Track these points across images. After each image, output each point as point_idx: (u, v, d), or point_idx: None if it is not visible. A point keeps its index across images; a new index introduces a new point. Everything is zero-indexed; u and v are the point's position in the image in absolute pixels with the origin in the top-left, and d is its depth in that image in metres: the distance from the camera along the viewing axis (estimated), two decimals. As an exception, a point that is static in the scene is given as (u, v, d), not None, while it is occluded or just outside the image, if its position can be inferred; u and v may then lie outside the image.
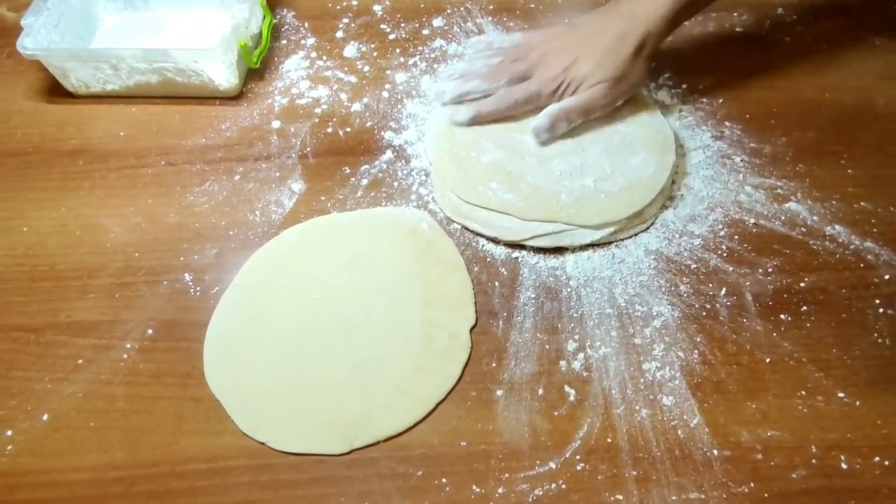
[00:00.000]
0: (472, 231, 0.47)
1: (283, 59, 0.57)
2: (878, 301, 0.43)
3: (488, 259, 0.46)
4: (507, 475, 0.37)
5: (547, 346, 0.42)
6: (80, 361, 0.42)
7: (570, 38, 0.49)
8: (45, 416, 0.40)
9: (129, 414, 0.40)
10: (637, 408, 0.39)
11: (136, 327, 0.43)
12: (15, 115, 0.55)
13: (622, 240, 0.46)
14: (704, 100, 0.53)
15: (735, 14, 0.58)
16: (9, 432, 0.40)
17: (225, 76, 0.53)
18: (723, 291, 0.44)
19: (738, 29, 0.58)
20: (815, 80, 0.54)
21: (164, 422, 0.40)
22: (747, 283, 0.44)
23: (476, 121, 0.49)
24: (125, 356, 0.42)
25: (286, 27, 0.60)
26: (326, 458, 0.38)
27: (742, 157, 0.50)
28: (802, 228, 0.46)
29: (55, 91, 0.56)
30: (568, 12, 0.60)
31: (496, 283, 0.45)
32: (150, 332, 0.43)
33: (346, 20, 0.60)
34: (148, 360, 0.42)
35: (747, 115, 0.52)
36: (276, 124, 0.53)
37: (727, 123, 0.52)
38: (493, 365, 0.41)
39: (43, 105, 0.56)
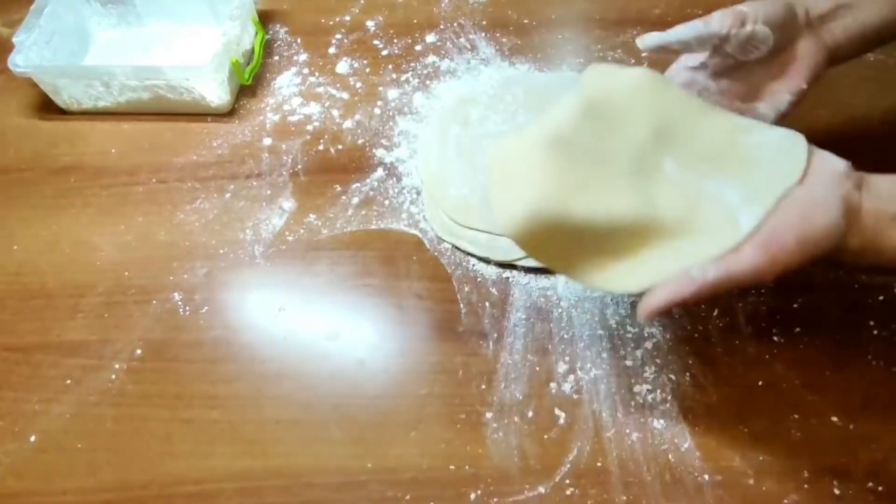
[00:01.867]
0: (462, 251, 0.47)
1: (275, 75, 0.57)
2: (871, 323, 0.42)
3: (479, 279, 0.46)
4: (496, 500, 0.37)
5: (537, 368, 0.42)
6: (69, 382, 0.42)
7: None
8: (33, 438, 0.40)
9: (118, 435, 0.40)
10: (628, 431, 0.39)
11: (125, 347, 0.43)
12: (7, 131, 0.55)
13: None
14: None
15: (730, 29, 0.58)
16: (-5, 454, 0.40)
17: (216, 93, 0.53)
18: (715, 313, 0.43)
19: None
20: (809, 96, 0.54)
21: (152, 443, 0.40)
22: (740, 305, 0.43)
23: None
24: (114, 377, 0.42)
25: (278, 43, 0.60)
26: (316, 482, 0.38)
27: (736, 175, 0.50)
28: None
29: (47, 108, 0.56)
30: (561, 29, 0.59)
31: (486, 304, 0.44)
32: (139, 352, 0.43)
33: (338, 36, 0.60)
34: (137, 380, 0.42)
35: (741, 133, 0.52)
36: (267, 141, 0.53)
37: (721, 141, 0.52)
38: (483, 387, 0.41)
39: (34, 122, 0.56)
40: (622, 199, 0.36)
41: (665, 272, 0.35)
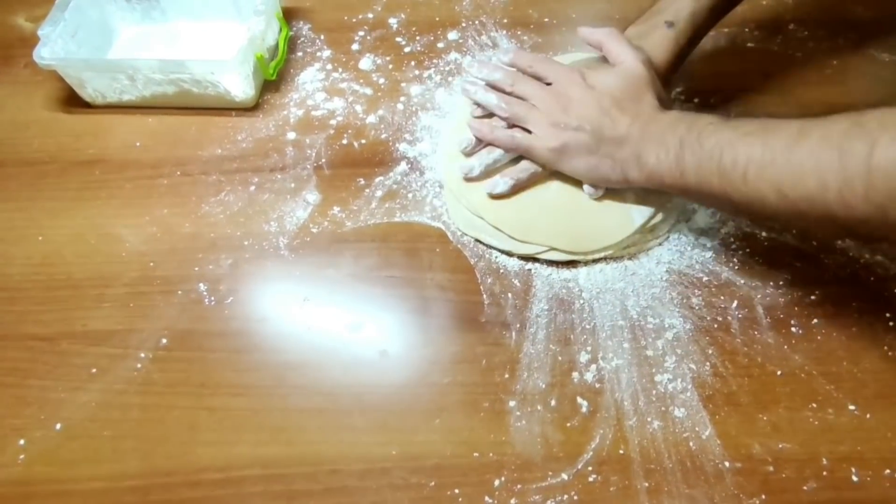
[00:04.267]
0: (484, 244, 0.47)
1: (298, 71, 0.58)
2: (888, 314, 0.43)
3: (501, 270, 0.46)
4: (519, 486, 0.38)
5: (559, 358, 0.42)
6: (95, 370, 0.43)
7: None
8: (59, 426, 0.40)
9: (143, 423, 0.41)
10: (649, 419, 0.40)
11: (150, 337, 0.44)
12: (32, 124, 0.56)
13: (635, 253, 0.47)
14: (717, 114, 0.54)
15: (746, 29, 0.59)
16: (21, 441, 0.40)
17: (241, 87, 0.53)
18: (734, 304, 0.44)
19: (749, 44, 0.58)
20: (826, 97, 0.55)
21: (177, 431, 0.40)
22: (759, 296, 0.44)
23: (516, 189, 0.46)
24: (139, 365, 0.43)
25: (302, 39, 0.60)
26: (340, 469, 0.39)
27: (752, 171, 0.51)
28: (813, 242, 0.46)
29: (72, 101, 0.56)
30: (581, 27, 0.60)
31: (509, 295, 0.45)
32: (164, 341, 0.44)
33: (361, 33, 0.60)
34: (162, 369, 0.43)
35: (757, 130, 0.53)
36: (291, 135, 0.54)
37: (737, 137, 0.52)
38: (506, 376, 0.42)
39: (60, 115, 0.56)
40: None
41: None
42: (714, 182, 0.38)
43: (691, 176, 0.39)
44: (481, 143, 0.47)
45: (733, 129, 0.38)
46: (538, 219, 0.46)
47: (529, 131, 0.45)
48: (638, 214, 0.45)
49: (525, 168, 0.46)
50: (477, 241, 0.48)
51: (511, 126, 0.47)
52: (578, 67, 0.47)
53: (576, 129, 0.44)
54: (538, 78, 0.47)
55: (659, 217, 0.46)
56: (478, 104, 0.48)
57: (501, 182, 0.46)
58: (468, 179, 0.47)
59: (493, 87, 0.48)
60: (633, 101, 0.44)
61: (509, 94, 0.47)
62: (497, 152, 0.47)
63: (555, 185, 0.46)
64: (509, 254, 0.47)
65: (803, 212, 0.35)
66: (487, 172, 0.47)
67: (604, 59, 0.47)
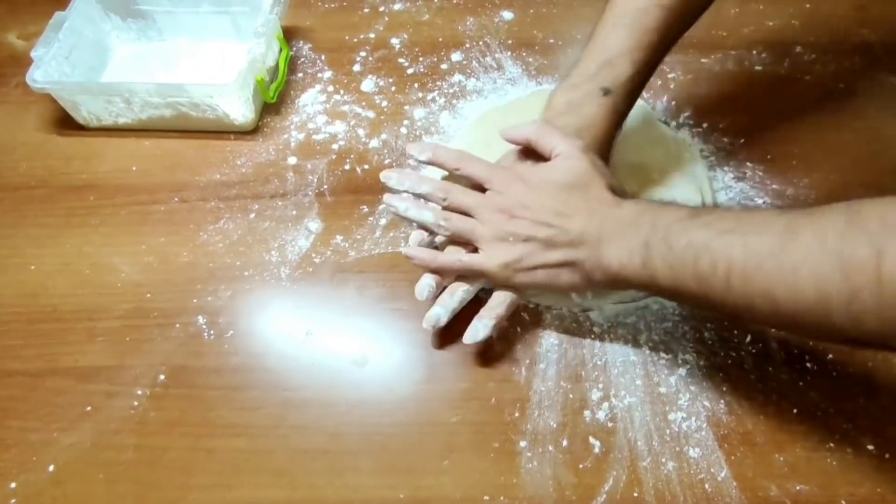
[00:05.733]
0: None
1: (299, 92, 0.57)
2: (905, 350, 0.43)
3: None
4: (532, 532, 0.36)
5: (571, 396, 0.41)
6: (89, 409, 0.41)
7: None
8: (51, 468, 0.39)
9: (138, 465, 0.39)
10: (663, 460, 0.38)
11: (146, 373, 0.42)
12: (20, 147, 0.54)
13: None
14: (725, 139, 0.53)
15: (754, 52, 0.58)
16: (12, 485, 0.38)
17: (241, 111, 0.52)
18: (748, 339, 0.43)
19: (757, 67, 0.58)
20: (835, 120, 0.54)
21: (173, 474, 0.39)
22: (772, 331, 0.43)
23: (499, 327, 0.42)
24: (135, 403, 0.41)
25: (302, 60, 0.59)
26: (344, 514, 0.37)
27: (764, 199, 0.50)
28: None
29: (65, 123, 0.55)
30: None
31: (518, 329, 0.44)
32: (161, 377, 0.42)
33: (363, 53, 0.59)
34: (159, 407, 0.41)
35: (769, 156, 0.52)
36: (292, 160, 0.53)
37: (748, 164, 0.52)
38: (516, 415, 0.40)
39: (51, 137, 0.55)
40: None
41: None
42: (692, 287, 0.34)
43: (664, 281, 0.35)
44: (440, 280, 0.42)
45: (705, 226, 0.34)
46: None
47: (476, 248, 0.41)
48: None
49: (501, 301, 0.41)
50: None
51: (453, 242, 0.43)
52: (513, 166, 0.43)
53: (526, 241, 0.40)
54: (471, 181, 0.43)
55: None
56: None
57: (481, 326, 0.41)
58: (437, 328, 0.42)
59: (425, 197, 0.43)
60: (581, 195, 0.39)
61: (444, 207, 0.42)
62: (459, 291, 0.42)
63: None
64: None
65: (802, 324, 0.31)
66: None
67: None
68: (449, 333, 0.43)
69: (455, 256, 0.42)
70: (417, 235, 0.45)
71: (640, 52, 0.42)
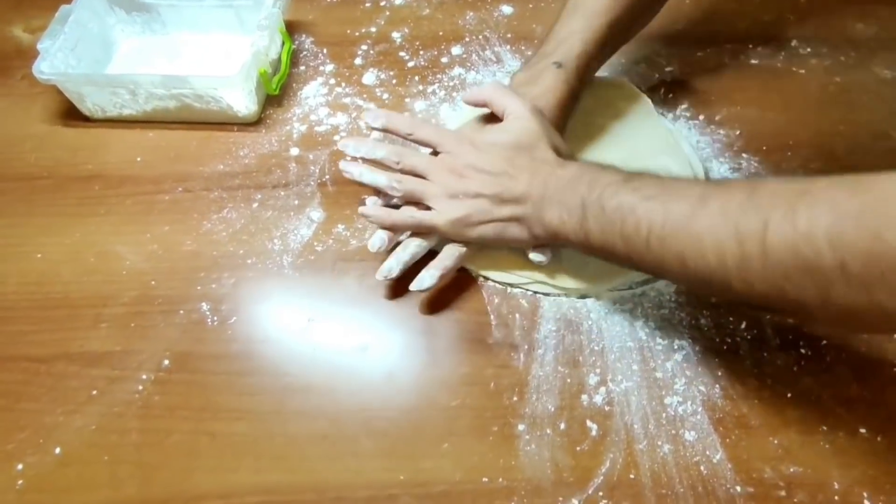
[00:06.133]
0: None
1: (301, 85, 0.57)
2: (897, 336, 0.43)
3: (508, 290, 0.46)
4: (529, 513, 0.37)
5: (568, 380, 0.42)
6: (94, 393, 0.41)
7: None
8: (57, 450, 0.39)
9: (142, 448, 0.39)
10: (659, 443, 0.39)
11: (150, 358, 0.43)
12: (28, 138, 0.55)
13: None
14: (721, 131, 0.54)
15: (750, 46, 0.59)
16: (19, 466, 0.39)
17: (244, 103, 0.53)
18: (743, 325, 0.44)
19: (752, 61, 0.58)
20: (829, 113, 0.55)
21: (177, 457, 0.39)
22: (767, 317, 0.44)
23: (445, 278, 0.44)
24: (140, 387, 0.42)
25: (305, 53, 0.60)
26: (345, 496, 0.38)
27: (759, 190, 0.51)
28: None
29: (71, 115, 0.55)
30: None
31: (517, 315, 0.44)
32: (165, 363, 0.43)
33: (364, 47, 0.60)
34: (162, 392, 0.42)
35: (764, 148, 0.53)
36: (294, 151, 0.53)
37: (744, 155, 0.52)
38: (515, 399, 0.41)
39: (57, 129, 0.55)
40: None
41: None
42: (619, 246, 0.38)
43: (596, 239, 0.39)
44: (393, 234, 0.45)
45: (634, 190, 0.37)
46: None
47: (428, 207, 0.43)
48: None
49: (450, 255, 0.44)
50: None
51: (406, 203, 0.45)
52: (464, 129, 0.45)
53: (475, 197, 0.42)
54: (423, 145, 0.45)
55: None
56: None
57: (427, 276, 0.43)
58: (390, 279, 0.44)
59: (378, 163, 0.45)
60: (527, 155, 0.42)
61: (398, 170, 0.45)
62: (412, 245, 0.44)
63: None
64: (511, 285, 0.46)
65: (706, 283, 0.35)
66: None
67: (493, 116, 0.45)
68: (445, 321, 0.44)
69: (408, 213, 0.44)
70: (372, 201, 0.47)
71: (589, 32, 0.47)
